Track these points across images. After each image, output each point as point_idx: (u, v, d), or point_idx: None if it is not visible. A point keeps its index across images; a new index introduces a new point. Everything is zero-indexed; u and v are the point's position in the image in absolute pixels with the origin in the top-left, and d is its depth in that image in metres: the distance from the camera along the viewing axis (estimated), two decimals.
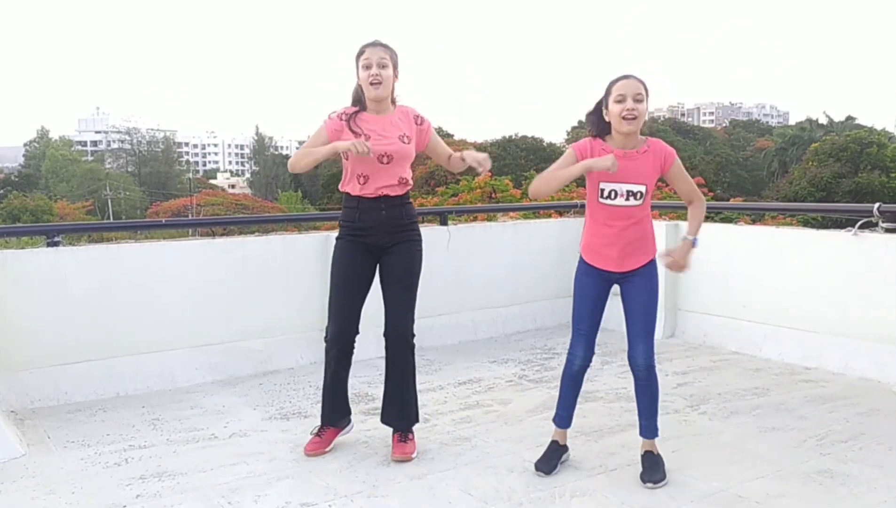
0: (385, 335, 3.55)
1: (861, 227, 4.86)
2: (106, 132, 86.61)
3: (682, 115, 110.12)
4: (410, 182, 3.53)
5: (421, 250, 3.56)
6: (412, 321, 3.53)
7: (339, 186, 3.56)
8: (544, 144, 43.25)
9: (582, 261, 3.30)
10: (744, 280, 5.50)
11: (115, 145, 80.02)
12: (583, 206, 6.73)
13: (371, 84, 3.38)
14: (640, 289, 3.24)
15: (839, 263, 4.96)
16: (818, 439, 3.72)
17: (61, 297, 4.40)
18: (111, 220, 45.70)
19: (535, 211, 8.67)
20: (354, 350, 3.60)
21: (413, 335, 3.54)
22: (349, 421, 3.71)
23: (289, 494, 3.14)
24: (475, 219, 7.17)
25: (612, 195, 3.15)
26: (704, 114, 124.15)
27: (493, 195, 18.18)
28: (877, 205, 4.83)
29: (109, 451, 3.63)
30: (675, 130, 55.59)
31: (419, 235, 3.57)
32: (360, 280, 3.51)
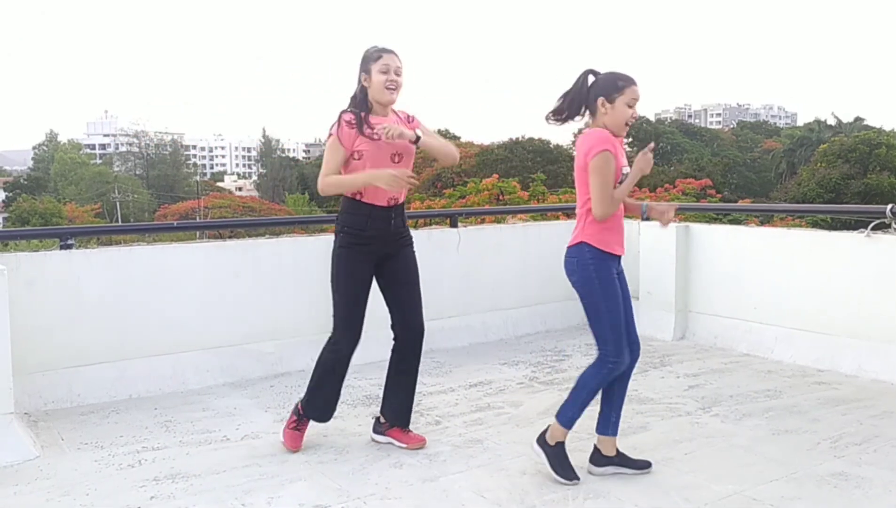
0: (401, 333, 3.65)
1: (874, 228, 4.83)
2: (114, 135, 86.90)
3: (690, 116, 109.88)
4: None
5: (414, 252, 3.69)
6: (423, 317, 3.68)
7: (352, 195, 3.48)
8: (551, 145, 43.18)
9: (598, 253, 3.16)
10: (754, 282, 5.48)
11: (123, 149, 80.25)
12: None
13: (388, 88, 3.42)
14: (624, 278, 3.30)
15: (852, 264, 4.93)
16: (832, 441, 3.70)
17: (74, 299, 4.42)
18: (120, 222, 45.92)
19: (544, 213, 8.66)
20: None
21: (424, 330, 3.69)
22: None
23: (302, 496, 3.15)
24: (484, 221, 7.18)
25: (623, 178, 3.17)
26: (712, 115, 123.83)
27: (501, 197, 18.18)
28: (889, 206, 4.80)
29: (123, 453, 3.65)
30: (682, 132, 55.47)
31: (412, 239, 3.68)
32: (366, 288, 3.57)
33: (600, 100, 3.14)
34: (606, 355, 3.18)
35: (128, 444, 3.76)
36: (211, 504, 3.09)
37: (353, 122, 3.42)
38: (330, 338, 3.59)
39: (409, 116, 3.61)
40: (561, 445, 3.30)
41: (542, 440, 3.32)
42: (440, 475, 3.35)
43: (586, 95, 3.20)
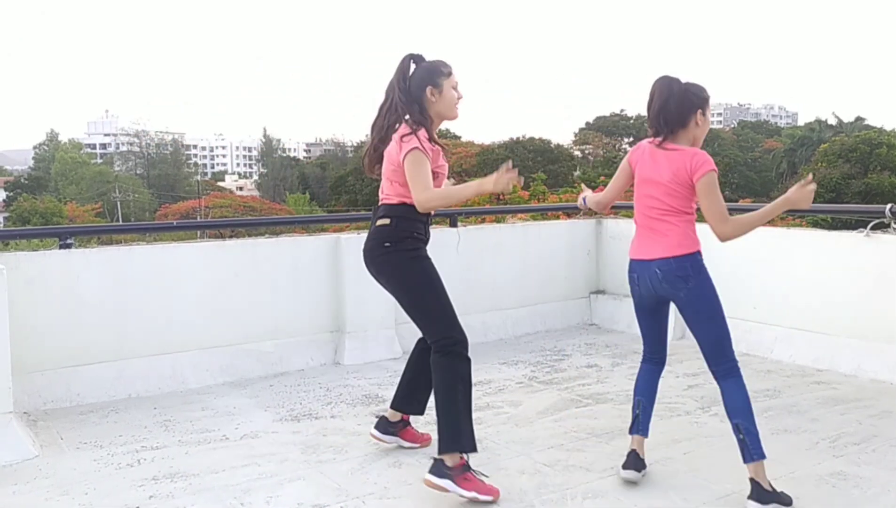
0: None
1: (873, 228, 4.83)
2: (115, 135, 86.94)
3: None
4: None
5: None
6: (429, 327, 3.52)
7: (406, 198, 3.24)
8: (552, 145, 43.20)
9: (701, 259, 3.16)
10: (754, 282, 5.48)
11: (123, 148, 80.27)
12: None
13: (457, 107, 3.32)
14: None
15: (851, 264, 4.93)
16: (831, 441, 3.70)
17: (73, 299, 4.43)
18: (120, 222, 45.92)
19: (544, 212, 8.66)
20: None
21: (434, 340, 3.57)
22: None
23: (300, 495, 3.15)
24: (484, 220, 7.18)
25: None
26: (713, 115, 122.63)
27: (502, 197, 18.17)
28: (889, 206, 4.80)
29: (122, 452, 3.65)
30: None
31: None
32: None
33: (697, 115, 3.09)
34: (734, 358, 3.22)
35: (127, 443, 3.77)
36: (210, 503, 3.10)
37: (427, 142, 3.20)
38: (445, 345, 3.21)
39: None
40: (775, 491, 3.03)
41: (758, 493, 2.99)
42: None
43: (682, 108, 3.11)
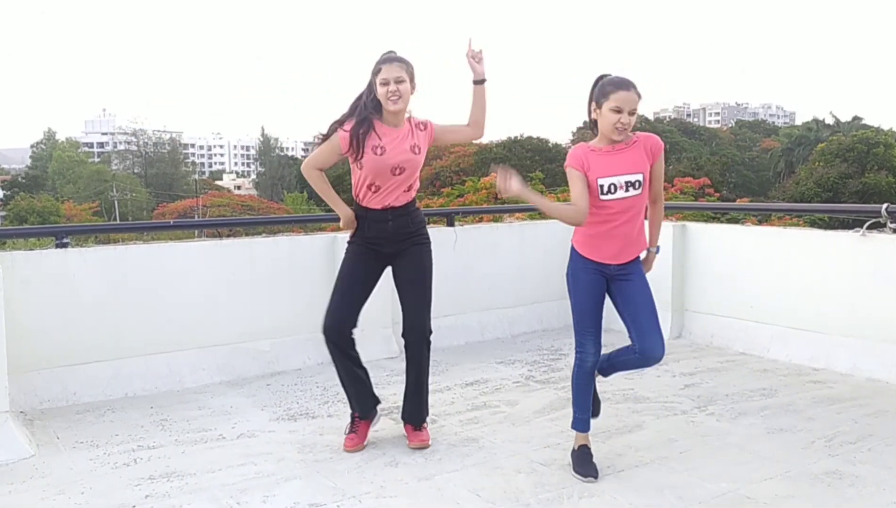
0: (404, 333, 3.64)
1: (869, 227, 4.84)
2: (112, 134, 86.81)
3: (688, 115, 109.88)
4: (416, 186, 3.63)
5: (430, 252, 3.68)
6: (429, 319, 3.65)
7: (353, 193, 3.62)
8: (550, 144, 43.19)
9: (578, 256, 3.32)
10: (751, 281, 5.48)
11: (121, 147, 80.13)
12: None
13: (389, 99, 3.45)
14: (637, 281, 3.29)
15: (847, 263, 4.94)
16: (826, 440, 3.71)
17: (69, 298, 4.42)
18: (118, 221, 45.85)
19: (542, 212, 8.68)
20: (356, 345, 3.65)
21: (430, 332, 3.66)
22: (376, 412, 3.78)
23: (297, 494, 3.15)
24: (481, 220, 7.18)
25: (612, 189, 3.16)
26: (710, 114, 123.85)
27: (499, 196, 18.16)
28: (885, 205, 4.81)
29: (118, 451, 3.65)
30: (681, 131, 55.45)
31: (427, 238, 3.68)
32: (362, 282, 3.61)
33: (593, 105, 3.20)
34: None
35: (123, 443, 3.76)
36: (206, 502, 3.09)
37: (352, 143, 3.47)
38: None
39: (419, 124, 3.62)
40: (583, 447, 3.39)
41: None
42: (435, 473, 3.35)
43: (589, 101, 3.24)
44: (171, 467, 3.45)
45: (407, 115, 3.59)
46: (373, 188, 3.53)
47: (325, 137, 3.55)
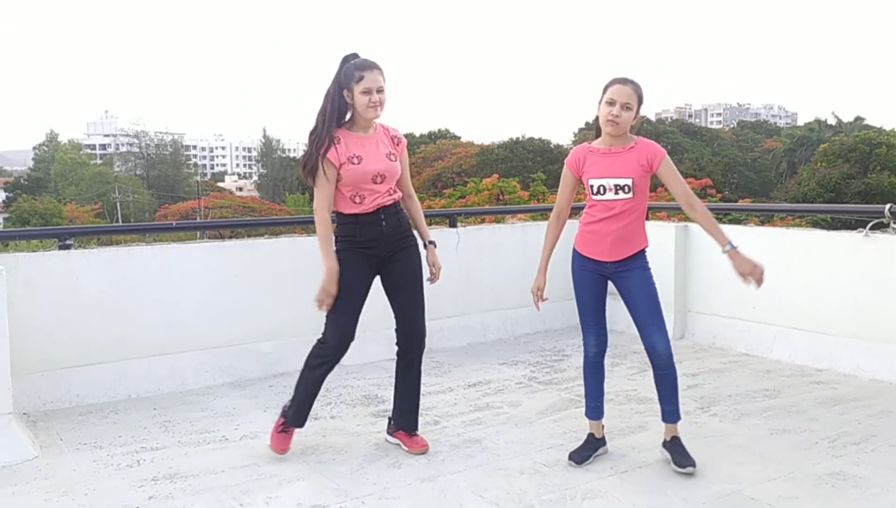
0: (403, 338, 3.62)
1: (872, 228, 4.83)
2: (114, 135, 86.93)
3: (690, 116, 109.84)
4: (399, 192, 3.60)
5: (420, 254, 3.65)
6: (424, 322, 3.64)
7: (335, 207, 3.50)
8: (551, 145, 43.20)
9: (576, 253, 3.47)
10: None
11: (123, 149, 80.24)
12: None
13: (370, 109, 3.41)
14: (637, 278, 3.35)
15: (850, 264, 4.93)
16: (830, 441, 3.70)
17: (73, 299, 4.42)
18: (120, 223, 45.90)
19: (544, 213, 8.68)
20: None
21: (425, 335, 3.66)
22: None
23: (300, 496, 3.15)
24: (483, 221, 7.18)
25: (602, 190, 3.30)
26: (712, 115, 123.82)
27: (501, 197, 18.19)
28: (888, 206, 4.80)
29: (121, 453, 3.65)
30: (683, 132, 55.40)
31: (415, 240, 3.66)
32: (363, 291, 3.55)
33: (598, 106, 3.34)
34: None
35: (126, 444, 3.77)
36: (209, 504, 3.10)
37: (324, 149, 3.40)
38: (319, 340, 3.56)
39: (394, 137, 3.57)
40: (590, 435, 3.55)
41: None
42: (438, 474, 3.35)
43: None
44: (174, 468, 3.45)
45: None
46: (357, 199, 3.45)
47: (311, 171, 3.42)
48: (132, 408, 4.32)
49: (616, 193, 3.27)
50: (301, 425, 3.61)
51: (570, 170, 3.40)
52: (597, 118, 3.34)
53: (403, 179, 3.61)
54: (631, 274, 3.35)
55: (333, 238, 3.49)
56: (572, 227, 3.51)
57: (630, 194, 3.27)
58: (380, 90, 3.41)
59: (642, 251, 3.38)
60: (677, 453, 3.36)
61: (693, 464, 3.30)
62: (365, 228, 3.48)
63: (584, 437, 3.55)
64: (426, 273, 3.66)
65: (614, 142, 3.31)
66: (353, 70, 3.41)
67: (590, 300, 3.45)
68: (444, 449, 3.65)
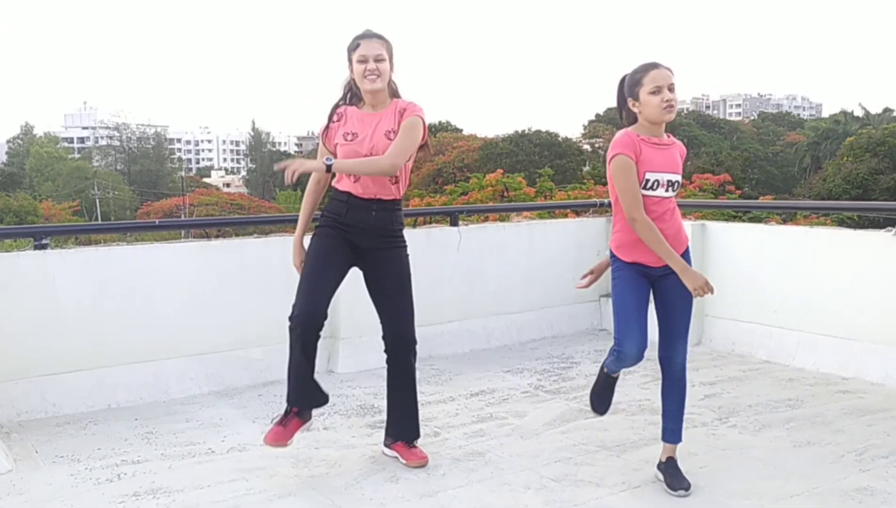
0: (390, 343, 3.64)
1: None
2: (93, 128, 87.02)
3: (707, 107, 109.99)
4: (404, 183, 3.58)
5: (408, 257, 3.66)
6: (414, 327, 3.65)
7: (332, 183, 3.62)
8: (559, 138, 43.20)
9: (618, 260, 3.31)
10: (775, 284, 5.48)
11: (103, 142, 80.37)
12: (602, 205, 6.76)
13: (367, 78, 3.43)
14: (681, 285, 3.24)
15: (878, 265, 4.94)
16: (857, 454, 3.70)
17: (49, 303, 4.43)
18: (99, 221, 45.94)
19: (551, 211, 8.68)
20: (320, 338, 3.62)
21: (415, 342, 3.67)
22: (311, 416, 3.68)
23: None
24: (487, 219, 7.18)
25: (655, 186, 3.19)
26: (731, 106, 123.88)
27: (506, 194, 18.20)
28: None
29: (101, 466, 3.66)
30: (700, 124, 55.47)
31: (405, 242, 3.67)
32: (335, 266, 3.56)
33: (630, 100, 3.23)
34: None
35: (106, 457, 3.77)
36: None
37: (323, 128, 3.58)
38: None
39: (402, 110, 3.54)
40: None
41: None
42: (439, 490, 3.36)
43: (622, 102, 3.30)
44: (157, 483, 3.46)
45: (390, 99, 3.55)
46: (353, 177, 3.49)
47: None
48: (112, 419, 4.33)
49: (667, 189, 3.20)
50: (299, 409, 3.55)
51: (632, 158, 3.13)
52: (633, 117, 3.23)
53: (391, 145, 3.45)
54: (676, 278, 3.23)
55: (310, 212, 3.67)
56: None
57: (675, 192, 3.25)
58: (378, 59, 3.42)
59: (687, 251, 3.34)
60: (671, 475, 3.32)
61: (687, 487, 3.26)
62: (354, 211, 3.51)
63: (593, 449, 3.51)
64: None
65: (659, 133, 3.22)
66: (352, 40, 3.49)
67: (637, 301, 3.24)
68: (444, 463, 3.65)
